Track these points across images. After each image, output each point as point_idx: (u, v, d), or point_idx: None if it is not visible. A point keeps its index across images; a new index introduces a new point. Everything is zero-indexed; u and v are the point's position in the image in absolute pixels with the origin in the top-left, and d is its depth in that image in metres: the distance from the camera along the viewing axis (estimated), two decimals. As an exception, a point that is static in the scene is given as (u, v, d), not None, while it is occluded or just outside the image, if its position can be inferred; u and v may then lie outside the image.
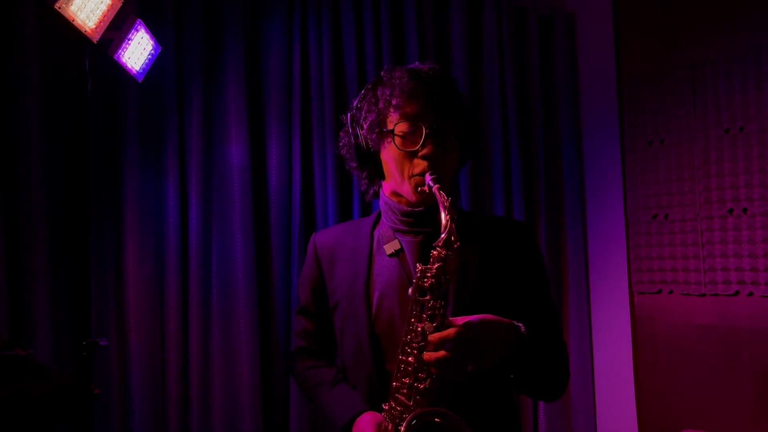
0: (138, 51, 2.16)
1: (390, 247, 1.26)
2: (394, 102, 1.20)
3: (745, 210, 2.48)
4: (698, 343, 2.61)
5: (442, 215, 1.08)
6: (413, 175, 1.19)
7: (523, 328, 1.11)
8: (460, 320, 1.05)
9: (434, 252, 1.08)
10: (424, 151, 1.17)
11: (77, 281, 2.01)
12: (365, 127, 1.25)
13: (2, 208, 1.93)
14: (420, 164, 1.18)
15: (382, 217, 1.32)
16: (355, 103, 1.30)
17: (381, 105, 1.22)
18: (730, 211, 2.52)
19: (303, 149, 2.59)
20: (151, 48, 2.21)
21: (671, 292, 2.70)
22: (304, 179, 2.59)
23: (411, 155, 1.19)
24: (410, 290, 1.10)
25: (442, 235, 1.08)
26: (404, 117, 1.19)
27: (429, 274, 1.07)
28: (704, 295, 2.59)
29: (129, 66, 2.15)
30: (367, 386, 1.22)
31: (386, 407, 1.13)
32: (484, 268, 1.23)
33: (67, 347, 2.10)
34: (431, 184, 1.12)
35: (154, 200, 2.42)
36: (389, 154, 1.22)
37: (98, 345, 1.87)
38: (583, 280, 2.93)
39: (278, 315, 2.54)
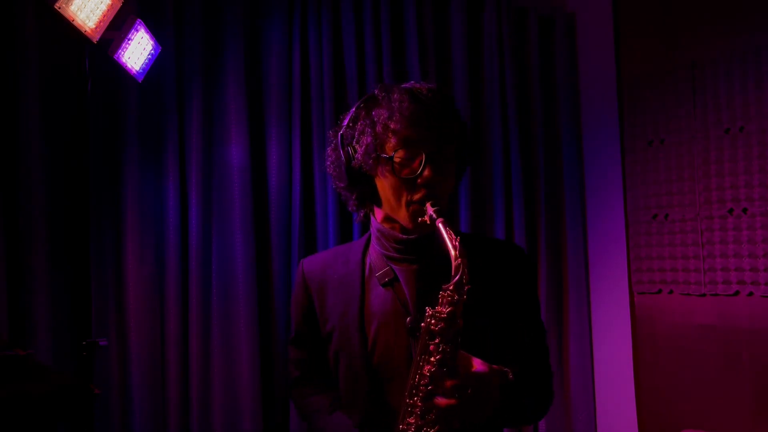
0: (138, 51, 2.16)
1: (383, 276, 1.22)
2: (392, 126, 1.14)
3: (745, 210, 2.48)
4: (698, 343, 2.61)
5: (451, 252, 1.04)
6: (412, 202, 1.15)
7: (510, 375, 1.11)
8: (472, 362, 1.05)
9: (444, 294, 1.04)
10: (424, 178, 1.13)
11: (77, 281, 2.01)
12: (360, 151, 1.18)
13: (2, 208, 1.93)
14: (419, 191, 1.14)
15: (373, 243, 1.27)
16: (346, 122, 1.23)
17: (379, 129, 1.16)
18: (730, 211, 2.51)
19: (303, 149, 2.59)
20: (151, 48, 2.21)
21: (671, 292, 2.70)
22: (304, 179, 2.59)
23: (410, 182, 1.15)
24: (421, 331, 1.06)
25: (454, 278, 1.03)
26: (404, 143, 1.14)
27: (439, 317, 1.03)
28: (704, 295, 2.59)
29: (129, 66, 2.15)
30: (363, 417, 1.20)
31: None
32: (480, 295, 1.17)
33: (67, 347, 2.10)
34: (434, 216, 1.09)
35: (154, 200, 2.42)
36: (386, 181, 1.18)
37: (98, 345, 1.87)
38: (583, 280, 2.93)
39: (278, 315, 2.54)
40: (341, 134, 1.23)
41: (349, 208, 1.31)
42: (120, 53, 2.08)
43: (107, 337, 2.16)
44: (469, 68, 2.85)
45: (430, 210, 1.10)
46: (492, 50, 2.89)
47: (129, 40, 2.08)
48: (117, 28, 2.01)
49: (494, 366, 1.08)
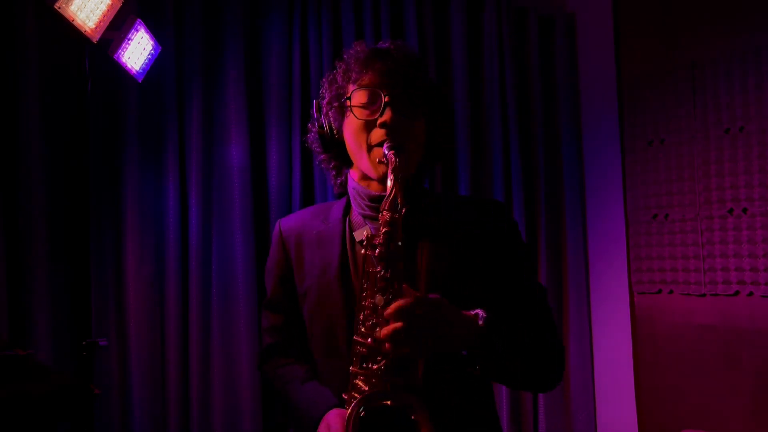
0: (138, 51, 2.15)
1: (360, 234, 1.17)
2: (352, 75, 1.14)
3: (745, 210, 2.48)
4: (698, 343, 2.61)
5: (388, 179, 1.02)
6: (371, 146, 1.12)
7: (481, 315, 1.01)
8: (414, 291, 0.98)
9: (380, 216, 1.01)
10: (383, 119, 1.09)
11: (77, 281, 2.01)
12: (326, 101, 1.20)
13: (2, 208, 1.93)
14: (378, 132, 1.11)
15: (352, 203, 1.23)
16: (321, 91, 1.24)
17: (339, 79, 1.17)
18: (730, 211, 2.51)
19: (303, 149, 2.59)
20: (151, 48, 2.21)
21: (671, 292, 2.70)
22: (304, 179, 2.58)
23: (370, 125, 1.12)
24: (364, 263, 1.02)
25: (387, 197, 1.00)
26: (361, 86, 1.13)
27: (377, 242, 0.99)
28: (704, 295, 2.59)
29: (129, 66, 2.15)
30: (340, 377, 1.08)
31: (345, 397, 1.02)
32: (456, 255, 1.13)
33: (67, 347, 2.09)
34: (386, 151, 1.06)
35: (154, 200, 2.41)
36: (349, 129, 1.16)
37: (98, 345, 1.86)
38: (583, 280, 2.93)
39: (278, 315, 2.54)
40: (316, 101, 1.23)
41: (330, 181, 1.29)
42: (120, 53, 2.08)
43: (107, 337, 2.15)
44: (469, 68, 2.85)
45: (385, 147, 1.07)
46: (492, 50, 2.89)
47: (129, 40, 2.08)
48: (117, 28, 2.01)
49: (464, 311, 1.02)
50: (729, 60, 2.54)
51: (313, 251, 1.21)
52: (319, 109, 1.22)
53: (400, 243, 1.00)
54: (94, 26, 1.84)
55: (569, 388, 2.91)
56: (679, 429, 2.58)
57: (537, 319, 1.14)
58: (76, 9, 1.76)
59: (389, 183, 1.02)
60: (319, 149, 1.24)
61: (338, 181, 1.28)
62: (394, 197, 1.00)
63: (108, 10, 1.85)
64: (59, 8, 1.71)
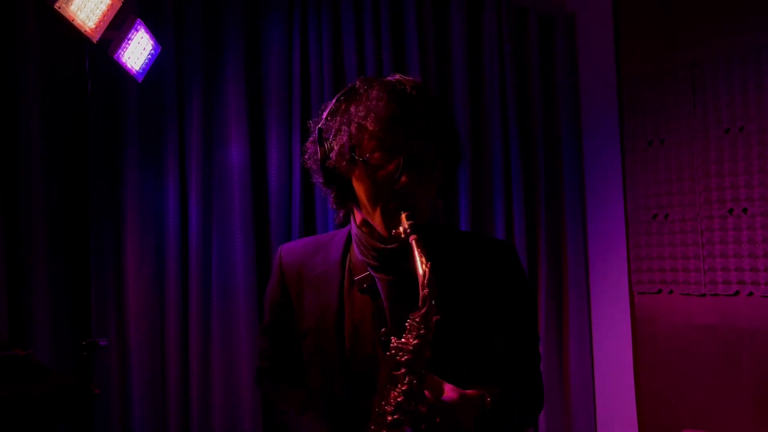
0: (138, 51, 2.15)
1: (361, 282, 1.15)
2: (368, 127, 1.05)
3: (745, 210, 2.48)
4: (698, 343, 2.61)
5: (420, 280, 0.97)
6: (387, 210, 1.07)
7: (488, 400, 1.05)
8: (443, 389, 1.00)
9: (412, 323, 0.98)
10: (400, 184, 1.04)
11: (77, 281, 2.01)
12: (335, 149, 1.10)
13: (2, 208, 1.93)
14: (395, 199, 1.06)
15: (353, 244, 1.20)
16: (325, 114, 1.15)
17: (354, 128, 1.07)
18: (730, 211, 2.51)
19: (303, 149, 2.58)
20: (150, 48, 2.21)
21: (671, 292, 2.70)
22: (304, 179, 2.58)
23: (385, 187, 1.06)
24: (386, 360, 1.00)
25: (421, 309, 0.97)
26: (380, 146, 1.06)
27: (405, 349, 0.97)
28: (704, 295, 2.59)
29: (129, 66, 2.15)
30: (335, 422, 1.14)
31: None
32: (460, 296, 1.12)
33: (67, 347, 2.09)
34: (408, 230, 1.02)
35: (154, 200, 2.41)
36: (361, 183, 1.10)
37: (98, 345, 1.87)
38: (583, 280, 2.93)
39: (278, 315, 2.54)
40: (319, 128, 1.15)
41: (330, 206, 1.23)
42: (120, 53, 2.08)
43: (107, 337, 2.15)
44: (469, 68, 2.85)
45: (404, 223, 1.03)
46: (492, 50, 2.89)
47: (129, 40, 2.08)
48: (117, 28, 2.01)
49: (470, 391, 1.03)
50: (729, 60, 2.54)
51: (311, 294, 1.20)
52: (322, 139, 1.13)
53: (428, 355, 0.98)
54: (94, 26, 1.84)
55: (569, 388, 2.91)
56: (679, 429, 2.58)
57: (525, 371, 1.19)
58: (76, 9, 1.76)
59: (421, 290, 0.97)
60: (320, 178, 1.18)
61: (340, 213, 1.24)
62: (427, 311, 0.97)
63: (108, 10, 1.85)
64: (59, 8, 1.71)
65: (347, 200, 1.18)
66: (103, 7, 1.84)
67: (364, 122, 1.06)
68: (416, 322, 0.98)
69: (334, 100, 1.15)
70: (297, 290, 1.22)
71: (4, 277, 1.91)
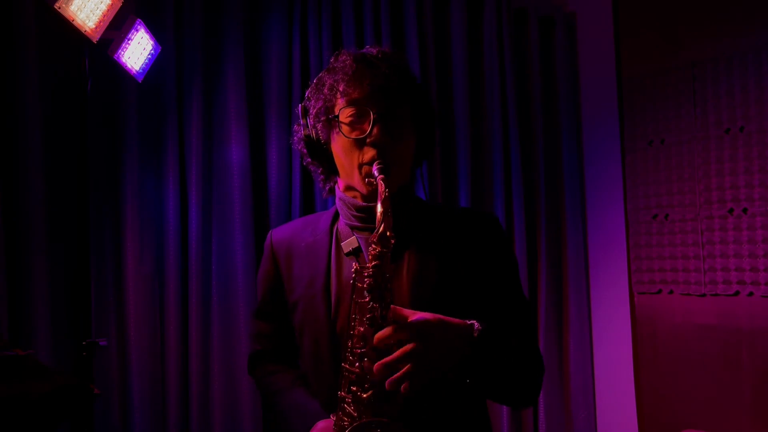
0: (138, 51, 2.15)
1: (347, 245, 1.17)
2: (340, 88, 1.11)
3: (745, 210, 2.48)
4: (698, 343, 2.61)
5: (378, 207, 1.00)
6: (362, 164, 1.10)
7: (476, 327, 1.00)
8: (407, 313, 0.96)
9: (370, 249, 1.00)
10: (372, 138, 1.08)
11: (77, 281, 2.01)
12: (312, 114, 1.17)
13: (2, 208, 1.93)
14: (368, 152, 1.09)
15: (339, 212, 1.23)
16: (307, 93, 1.21)
17: (326, 91, 1.13)
18: (730, 211, 2.52)
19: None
20: (150, 48, 2.21)
21: (671, 292, 2.71)
22: (304, 179, 2.58)
23: (359, 143, 1.10)
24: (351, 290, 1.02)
25: (378, 230, 0.98)
26: (350, 102, 1.11)
27: (366, 274, 0.99)
28: (704, 295, 2.60)
29: (129, 66, 2.15)
30: (327, 389, 1.13)
31: (334, 418, 1.05)
32: (444, 267, 1.13)
33: (67, 347, 2.09)
34: (376, 173, 1.05)
35: (154, 200, 2.41)
36: (338, 144, 1.14)
37: (98, 345, 1.86)
38: (583, 280, 2.93)
39: (278, 315, 2.54)
40: (302, 105, 1.20)
41: (318, 185, 1.28)
42: (120, 53, 2.08)
43: (107, 337, 2.16)
44: (469, 68, 2.85)
45: (375, 168, 1.06)
46: (492, 50, 2.88)
47: (129, 40, 2.08)
48: (117, 28, 2.01)
49: (455, 319, 1.00)
50: (729, 60, 2.54)
51: (301, 264, 1.22)
52: (306, 114, 1.19)
53: (388, 275, 0.99)
54: (94, 26, 1.84)
55: (569, 388, 2.91)
56: (679, 429, 2.58)
57: (522, 332, 1.14)
58: (76, 9, 1.76)
59: (378, 212, 1.00)
60: (306, 156, 1.23)
61: (326, 187, 1.27)
62: (384, 231, 0.99)
63: (108, 10, 1.85)
64: (59, 8, 1.71)
65: (331, 173, 1.23)
66: (103, 7, 1.84)
67: (335, 84, 1.12)
68: (374, 242, 0.99)
69: (314, 79, 1.21)
70: (287, 263, 1.24)
71: (4, 277, 1.91)
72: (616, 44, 2.94)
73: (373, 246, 0.99)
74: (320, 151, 1.19)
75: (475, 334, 1.00)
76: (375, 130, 1.09)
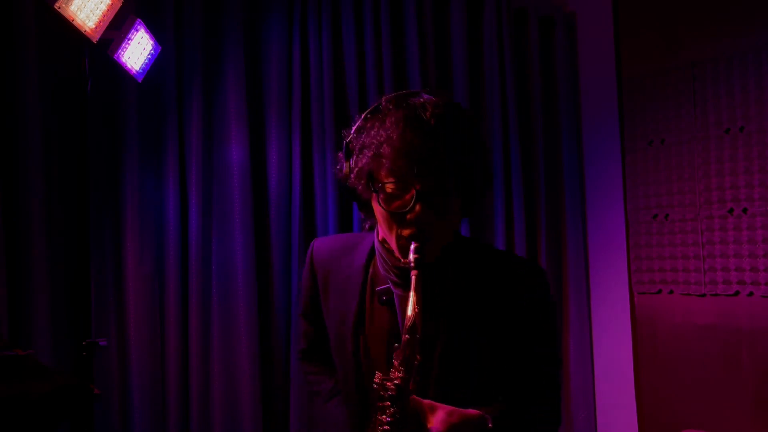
0: (138, 51, 2.15)
1: (382, 293, 1.16)
2: (384, 155, 1.02)
3: (745, 210, 2.48)
4: (698, 343, 2.61)
5: (409, 305, 0.98)
6: (401, 237, 1.06)
7: (489, 421, 1.02)
8: (426, 408, 1.00)
9: (396, 355, 1.00)
10: (413, 215, 1.02)
11: (77, 281, 2.01)
12: (355, 171, 1.09)
13: (2, 208, 1.93)
14: (407, 229, 1.04)
15: (377, 256, 1.20)
16: (353, 129, 1.12)
17: (371, 154, 1.05)
18: (730, 211, 2.52)
19: (303, 149, 2.59)
20: (150, 48, 2.21)
21: (671, 292, 2.71)
22: (304, 179, 2.58)
23: (400, 216, 1.04)
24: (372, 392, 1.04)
25: (404, 336, 0.97)
26: (393, 174, 1.03)
27: (389, 384, 1.00)
28: (704, 295, 2.59)
29: (129, 66, 2.15)
30: (354, 413, 1.21)
31: None
32: (477, 345, 1.11)
33: (67, 347, 2.09)
34: (411, 264, 1.02)
35: (154, 200, 2.41)
36: (377, 208, 1.09)
37: (98, 345, 1.87)
38: (583, 280, 2.93)
39: (278, 315, 2.54)
40: (346, 142, 1.13)
41: (360, 215, 1.25)
42: (120, 53, 2.08)
43: (107, 337, 2.16)
44: (469, 68, 2.85)
45: (411, 254, 1.02)
46: (492, 50, 2.88)
47: (129, 40, 2.08)
48: (117, 28, 2.01)
49: (470, 411, 1.02)
50: (729, 60, 2.54)
51: (336, 296, 1.24)
52: (349, 155, 1.11)
53: (412, 386, 1.01)
54: (94, 26, 1.84)
55: (569, 388, 2.91)
56: (679, 429, 2.58)
57: (542, 407, 1.15)
58: (76, 9, 1.76)
59: (409, 311, 0.98)
60: (343, 190, 1.19)
61: (366, 225, 1.23)
62: (413, 335, 0.98)
63: (108, 10, 1.85)
64: (59, 8, 1.71)
65: (369, 215, 1.17)
66: (103, 7, 1.84)
67: (380, 150, 1.03)
68: (400, 349, 1.00)
69: (362, 116, 1.12)
70: (324, 287, 1.26)
71: (4, 277, 1.91)
72: (616, 44, 2.94)
73: (399, 351, 1.00)
74: (360, 202, 1.15)
75: (490, 425, 1.02)
76: (417, 207, 1.02)
